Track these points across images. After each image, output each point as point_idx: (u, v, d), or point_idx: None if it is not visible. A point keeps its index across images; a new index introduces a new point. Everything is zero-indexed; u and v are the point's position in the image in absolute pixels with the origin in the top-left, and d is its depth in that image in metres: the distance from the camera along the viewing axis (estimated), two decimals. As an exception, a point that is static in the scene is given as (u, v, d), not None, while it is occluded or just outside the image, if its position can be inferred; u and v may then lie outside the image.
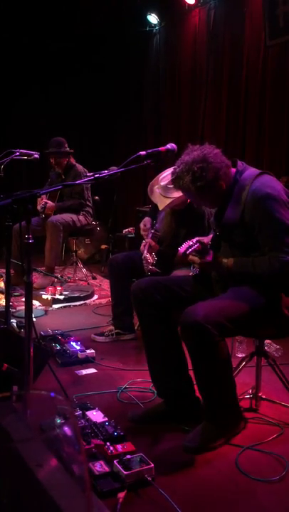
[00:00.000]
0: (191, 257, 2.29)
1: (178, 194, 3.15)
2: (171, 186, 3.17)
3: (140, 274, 3.17)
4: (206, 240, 2.41)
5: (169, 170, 3.24)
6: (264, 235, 2.13)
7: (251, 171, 2.28)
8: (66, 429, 0.43)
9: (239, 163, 2.31)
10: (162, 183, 3.24)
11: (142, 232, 3.55)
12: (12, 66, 7.08)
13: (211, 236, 2.54)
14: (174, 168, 2.29)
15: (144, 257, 3.23)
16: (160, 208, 3.36)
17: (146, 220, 3.61)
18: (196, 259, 2.30)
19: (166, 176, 3.23)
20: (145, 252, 3.24)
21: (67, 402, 0.46)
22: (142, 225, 3.59)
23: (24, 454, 0.42)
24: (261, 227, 2.13)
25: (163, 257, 3.26)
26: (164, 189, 3.24)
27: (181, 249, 2.27)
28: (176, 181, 2.26)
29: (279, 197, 2.12)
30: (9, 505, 0.40)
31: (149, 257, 3.18)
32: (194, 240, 2.27)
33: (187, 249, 2.25)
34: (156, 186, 3.34)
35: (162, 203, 3.28)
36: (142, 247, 3.35)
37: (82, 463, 0.43)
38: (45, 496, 0.41)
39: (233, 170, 2.28)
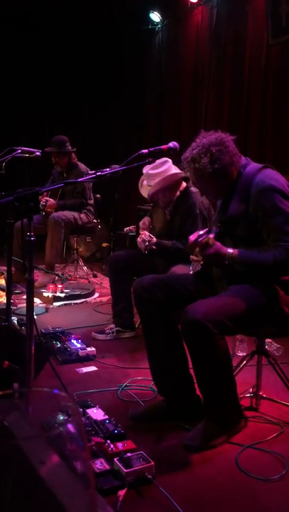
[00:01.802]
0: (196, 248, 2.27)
1: (159, 178, 3.23)
2: (153, 172, 3.25)
3: (140, 271, 3.19)
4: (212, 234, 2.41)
5: (157, 161, 3.29)
6: (268, 226, 2.14)
7: (254, 165, 2.31)
8: (69, 426, 0.43)
9: (243, 157, 2.33)
10: (144, 171, 3.30)
11: (141, 231, 3.59)
12: (13, 64, 7.07)
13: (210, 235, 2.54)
14: (189, 151, 2.27)
15: (141, 238, 3.29)
16: (148, 197, 3.43)
17: (145, 219, 3.71)
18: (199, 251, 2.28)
19: (148, 165, 3.28)
20: (142, 235, 3.32)
21: (71, 399, 0.46)
22: (141, 224, 3.67)
23: (27, 451, 0.42)
24: (265, 218, 2.14)
25: (161, 249, 3.31)
26: (147, 176, 3.31)
27: (192, 237, 2.26)
28: (192, 163, 2.24)
29: (282, 189, 2.14)
30: (12, 503, 0.40)
31: (146, 236, 3.26)
32: (204, 231, 2.27)
33: (198, 237, 2.24)
34: (144, 177, 3.40)
35: (147, 192, 3.38)
36: (138, 238, 3.39)
37: (86, 460, 0.43)
38: (48, 493, 0.41)
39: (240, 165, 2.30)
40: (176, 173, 3.27)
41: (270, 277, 2.19)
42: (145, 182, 3.38)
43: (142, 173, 3.41)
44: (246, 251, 2.18)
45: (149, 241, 3.23)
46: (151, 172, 3.27)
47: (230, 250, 2.19)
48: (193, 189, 3.37)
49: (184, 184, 3.41)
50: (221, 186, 2.31)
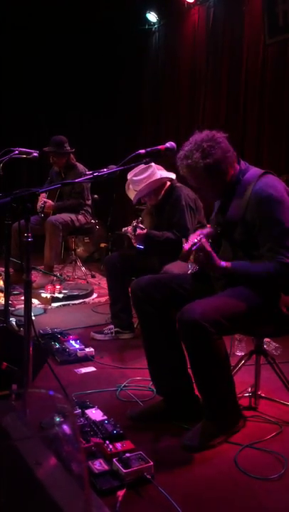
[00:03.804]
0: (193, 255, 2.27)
1: (143, 184, 3.30)
2: (137, 178, 3.30)
3: (137, 272, 3.19)
4: (206, 231, 2.40)
5: (140, 166, 3.30)
6: (264, 235, 2.14)
7: (254, 170, 2.29)
8: (65, 427, 0.43)
9: (242, 162, 2.32)
10: (129, 177, 3.35)
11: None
12: (10, 64, 7.07)
13: (208, 229, 2.53)
14: (182, 149, 2.27)
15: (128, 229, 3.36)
16: (133, 201, 3.51)
17: None
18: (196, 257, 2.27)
19: (132, 170, 3.33)
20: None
21: (67, 400, 0.46)
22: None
23: (23, 452, 0.42)
24: (262, 227, 2.13)
25: (152, 241, 3.34)
26: (132, 182, 3.36)
27: (186, 246, 2.26)
28: (184, 160, 2.24)
29: (281, 198, 2.13)
30: (8, 504, 0.40)
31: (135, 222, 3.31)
32: (198, 237, 2.26)
33: (192, 246, 2.24)
34: (129, 181, 3.44)
35: (132, 196, 3.45)
36: (128, 228, 3.43)
37: (81, 461, 0.43)
38: (45, 494, 0.41)
39: (237, 167, 2.29)
40: (159, 179, 3.33)
41: (266, 287, 2.19)
42: (131, 186, 3.41)
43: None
44: (240, 264, 2.19)
45: (136, 221, 3.28)
46: (135, 178, 3.32)
47: (223, 263, 2.19)
48: (177, 184, 3.42)
49: (168, 183, 3.44)
50: (215, 184, 2.28)
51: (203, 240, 2.24)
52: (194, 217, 3.42)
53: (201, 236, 2.27)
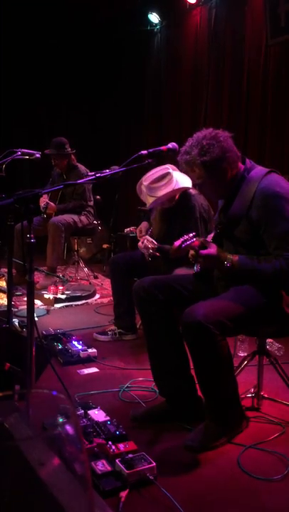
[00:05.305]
0: (192, 251, 2.27)
1: (162, 192, 3.20)
2: (155, 185, 3.22)
3: (142, 273, 3.18)
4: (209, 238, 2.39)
5: (153, 170, 3.26)
6: (270, 233, 2.13)
7: (259, 169, 2.28)
8: (68, 428, 0.43)
9: (247, 160, 2.31)
10: (145, 183, 3.26)
11: (139, 238, 3.58)
12: (12, 64, 7.08)
13: (209, 236, 2.53)
14: (184, 144, 2.27)
15: (144, 244, 3.25)
16: (147, 206, 3.42)
17: (142, 225, 3.68)
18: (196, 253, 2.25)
19: (149, 175, 3.26)
20: (145, 241, 3.28)
21: (69, 400, 0.46)
22: (138, 232, 3.65)
23: (26, 452, 0.42)
24: (268, 225, 2.12)
25: (161, 253, 3.28)
26: (148, 188, 3.27)
27: (177, 242, 2.26)
28: (184, 155, 2.24)
29: (287, 196, 2.13)
30: (11, 504, 0.41)
31: (149, 243, 3.22)
32: (191, 235, 2.26)
33: (182, 242, 2.24)
34: (143, 185, 3.37)
35: (148, 202, 3.34)
36: (139, 243, 3.38)
37: (84, 462, 0.43)
38: (48, 494, 0.41)
39: (242, 166, 2.28)
40: (180, 188, 3.23)
41: (269, 286, 2.18)
42: (144, 190, 3.35)
43: (143, 175, 3.38)
44: (247, 258, 2.17)
45: (152, 248, 3.22)
46: (153, 186, 3.22)
47: (229, 256, 2.18)
48: (192, 191, 3.34)
49: None
50: (214, 182, 2.26)
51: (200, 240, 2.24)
52: (206, 229, 3.37)
53: (194, 234, 2.27)
